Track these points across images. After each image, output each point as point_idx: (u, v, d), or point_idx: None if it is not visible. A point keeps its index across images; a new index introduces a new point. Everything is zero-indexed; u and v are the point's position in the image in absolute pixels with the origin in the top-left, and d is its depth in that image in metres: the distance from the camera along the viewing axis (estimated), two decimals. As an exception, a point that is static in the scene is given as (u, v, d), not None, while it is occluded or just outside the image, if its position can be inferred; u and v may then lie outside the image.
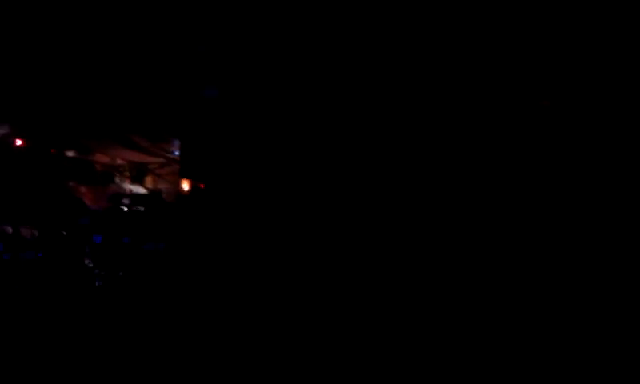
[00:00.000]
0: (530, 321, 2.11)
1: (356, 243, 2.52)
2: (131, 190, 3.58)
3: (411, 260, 2.40)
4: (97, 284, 2.90)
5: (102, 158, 3.50)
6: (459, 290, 2.28)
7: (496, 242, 2.33)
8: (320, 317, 2.28)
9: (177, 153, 3.61)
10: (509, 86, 2.49)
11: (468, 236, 2.38)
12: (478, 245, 2.35)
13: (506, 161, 2.43)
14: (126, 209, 3.33)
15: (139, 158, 3.53)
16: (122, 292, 2.84)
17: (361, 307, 2.32)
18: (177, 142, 3.59)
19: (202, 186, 3.18)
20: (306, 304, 2.35)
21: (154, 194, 3.52)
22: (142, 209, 3.34)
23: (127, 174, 3.58)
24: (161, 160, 3.59)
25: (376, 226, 2.53)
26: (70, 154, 3.49)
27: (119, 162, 3.56)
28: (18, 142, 3.50)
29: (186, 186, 3.29)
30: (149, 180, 3.61)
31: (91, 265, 2.98)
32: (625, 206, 2.19)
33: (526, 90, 2.47)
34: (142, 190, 3.54)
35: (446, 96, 2.59)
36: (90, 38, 3.44)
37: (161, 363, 2.10)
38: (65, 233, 3.09)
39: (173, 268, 2.78)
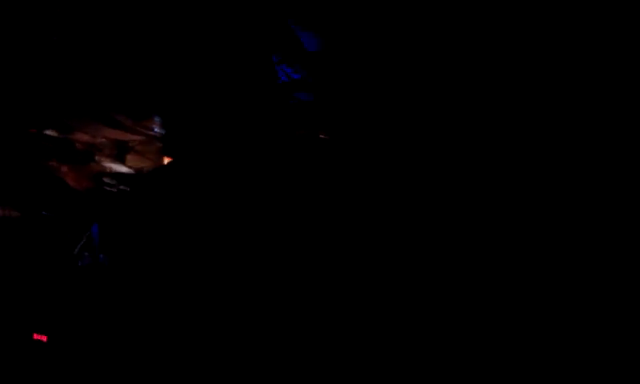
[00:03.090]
0: (530, 321, 2.10)
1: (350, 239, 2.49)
2: (112, 169, 3.54)
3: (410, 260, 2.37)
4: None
5: (82, 137, 3.44)
6: (459, 291, 2.26)
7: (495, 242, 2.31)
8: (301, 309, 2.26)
9: (158, 130, 3.57)
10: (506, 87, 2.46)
11: (467, 237, 2.35)
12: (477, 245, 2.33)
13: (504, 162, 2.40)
14: (108, 189, 3.28)
15: (121, 135, 3.46)
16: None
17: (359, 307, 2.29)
18: (159, 120, 3.54)
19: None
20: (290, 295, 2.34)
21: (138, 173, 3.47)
22: (126, 188, 3.30)
23: (108, 152, 3.52)
24: (143, 138, 3.54)
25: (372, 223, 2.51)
26: (50, 132, 3.42)
27: (100, 140, 3.50)
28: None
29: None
30: (130, 158, 3.56)
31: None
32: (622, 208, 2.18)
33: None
34: (123, 169, 3.49)
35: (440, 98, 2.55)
36: (68, 15, 3.34)
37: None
38: (45, 213, 3.05)
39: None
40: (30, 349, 2.19)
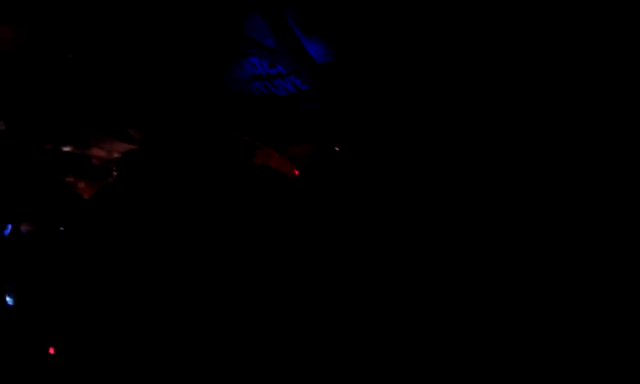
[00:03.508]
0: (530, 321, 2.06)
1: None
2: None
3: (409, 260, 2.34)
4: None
5: (98, 153, 3.48)
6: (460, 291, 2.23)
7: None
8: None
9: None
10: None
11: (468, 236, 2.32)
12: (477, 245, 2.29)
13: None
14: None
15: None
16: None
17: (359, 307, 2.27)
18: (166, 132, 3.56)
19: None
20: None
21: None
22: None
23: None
24: (156, 152, 3.56)
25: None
26: (67, 148, 3.48)
27: (115, 155, 3.54)
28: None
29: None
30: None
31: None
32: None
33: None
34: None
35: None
36: (84, 31, 3.40)
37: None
38: (62, 228, 3.09)
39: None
40: (42, 360, 2.22)
